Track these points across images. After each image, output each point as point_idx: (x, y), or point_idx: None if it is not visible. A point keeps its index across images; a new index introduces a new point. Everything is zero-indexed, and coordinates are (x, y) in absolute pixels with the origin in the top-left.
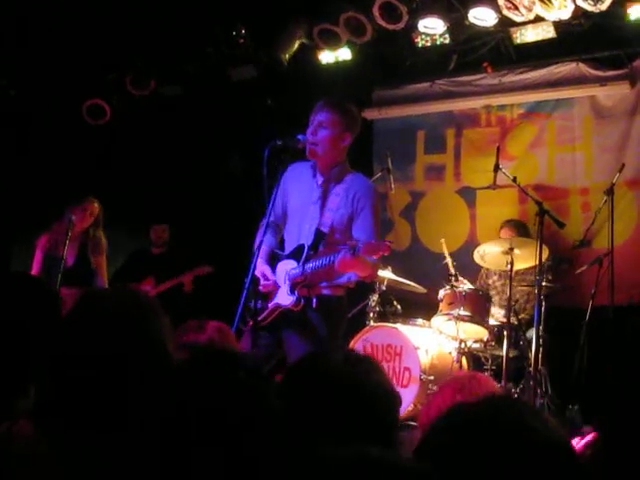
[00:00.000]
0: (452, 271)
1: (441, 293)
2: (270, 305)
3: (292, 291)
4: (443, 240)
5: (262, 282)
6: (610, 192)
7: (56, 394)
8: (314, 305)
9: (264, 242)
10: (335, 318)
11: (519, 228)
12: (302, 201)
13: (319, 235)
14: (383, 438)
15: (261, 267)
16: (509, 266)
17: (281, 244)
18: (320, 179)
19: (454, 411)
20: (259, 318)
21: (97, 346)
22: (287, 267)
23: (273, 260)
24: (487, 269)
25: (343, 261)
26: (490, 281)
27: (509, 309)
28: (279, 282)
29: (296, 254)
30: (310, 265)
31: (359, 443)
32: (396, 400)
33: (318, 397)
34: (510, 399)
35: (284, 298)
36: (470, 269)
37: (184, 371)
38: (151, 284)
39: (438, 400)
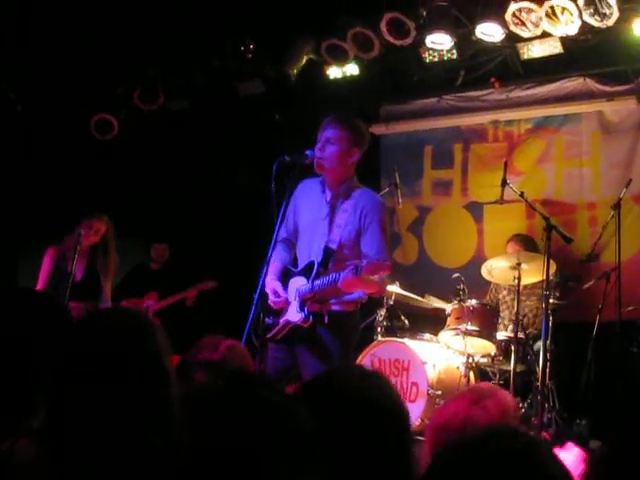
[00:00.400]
0: (461, 286)
1: (449, 308)
2: (281, 321)
3: (301, 308)
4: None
5: (273, 298)
6: (617, 207)
7: (56, 412)
8: (325, 321)
9: (276, 258)
10: (346, 334)
11: (526, 242)
12: (312, 217)
13: (328, 252)
14: (400, 455)
15: (272, 283)
16: (516, 281)
17: (294, 261)
18: (329, 195)
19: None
20: (271, 333)
21: (96, 363)
22: (298, 284)
23: (286, 276)
24: (497, 284)
25: (345, 280)
26: (500, 296)
27: (517, 324)
28: (290, 298)
29: (306, 271)
30: (318, 282)
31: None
32: (407, 413)
33: (334, 415)
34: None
35: (294, 315)
36: (477, 284)
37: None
38: (154, 299)
39: (452, 408)
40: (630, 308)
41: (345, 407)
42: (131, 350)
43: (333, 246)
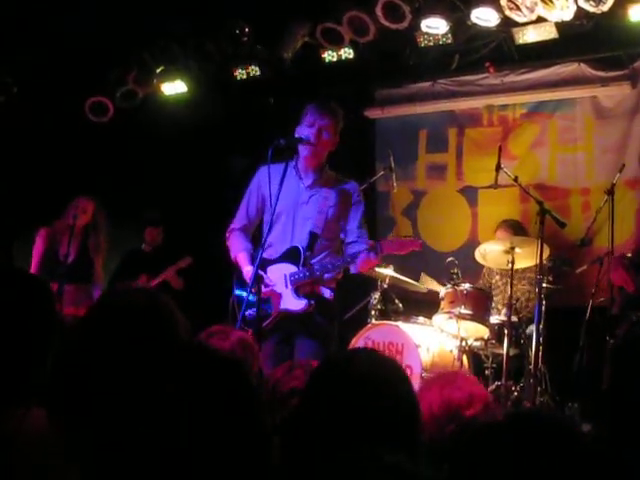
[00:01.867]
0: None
1: (442, 291)
2: (274, 311)
3: (299, 295)
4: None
5: (265, 289)
6: (611, 192)
7: (70, 386)
8: (323, 301)
9: (240, 248)
10: (333, 311)
11: (515, 228)
12: (290, 203)
13: (313, 237)
14: (409, 439)
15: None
16: (510, 265)
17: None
18: (308, 181)
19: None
20: (264, 324)
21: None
22: (285, 271)
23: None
24: (489, 268)
25: (368, 261)
26: (493, 280)
27: (510, 307)
28: (278, 287)
29: (290, 257)
30: (317, 267)
31: (387, 445)
32: (417, 400)
33: (346, 400)
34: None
35: (292, 303)
36: (471, 268)
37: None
38: (144, 281)
39: (427, 397)
40: (602, 299)
41: (356, 392)
42: (150, 327)
43: (318, 231)
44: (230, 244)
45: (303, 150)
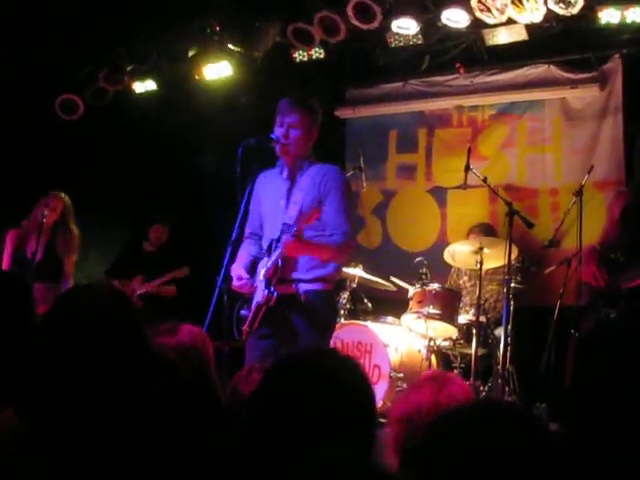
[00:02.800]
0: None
1: (411, 291)
2: (252, 307)
3: (266, 286)
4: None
5: (236, 283)
6: (579, 193)
7: (38, 386)
8: (302, 300)
9: (246, 251)
10: (321, 315)
11: (487, 232)
12: (272, 200)
13: (283, 228)
14: (363, 436)
15: (236, 270)
16: (479, 265)
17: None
18: (288, 177)
19: (448, 419)
20: (246, 324)
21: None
22: (262, 266)
23: (255, 266)
24: (458, 269)
25: (286, 244)
26: (461, 281)
27: (478, 308)
28: (257, 282)
29: (268, 251)
30: (274, 256)
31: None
32: (374, 397)
33: (299, 396)
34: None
35: (259, 295)
36: (440, 268)
37: None
38: (139, 282)
39: (416, 398)
40: (566, 294)
41: (313, 389)
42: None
43: (290, 221)
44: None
45: (278, 150)
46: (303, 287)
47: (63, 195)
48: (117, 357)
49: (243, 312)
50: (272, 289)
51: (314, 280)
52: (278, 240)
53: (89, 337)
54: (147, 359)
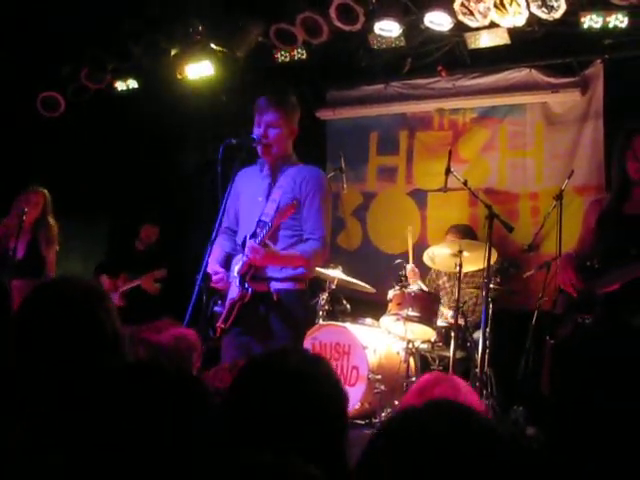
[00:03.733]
0: (408, 268)
1: (390, 293)
2: (227, 303)
3: (240, 282)
4: (409, 229)
5: (214, 279)
6: (559, 197)
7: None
8: (274, 299)
9: (219, 245)
10: (295, 314)
11: (464, 233)
12: (250, 196)
13: (258, 225)
14: (333, 438)
15: (211, 265)
16: (458, 268)
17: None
18: (268, 175)
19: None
20: (220, 320)
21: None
22: (237, 262)
23: (229, 262)
24: (437, 270)
25: (252, 249)
26: (440, 282)
27: (457, 310)
28: (231, 278)
29: (242, 247)
30: (248, 252)
31: (309, 444)
32: (346, 400)
33: (269, 396)
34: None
35: (233, 291)
36: (420, 270)
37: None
38: (123, 280)
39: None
40: (545, 299)
41: (282, 389)
42: (81, 317)
43: (265, 219)
44: (212, 239)
45: (259, 150)
46: (276, 286)
47: (43, 190)
48: (84, 350)
49: (217, 308)
50: (246, 285)
51: (287, 279)
52: (253, 235)
53: (57, 328)
54: (115, 355)
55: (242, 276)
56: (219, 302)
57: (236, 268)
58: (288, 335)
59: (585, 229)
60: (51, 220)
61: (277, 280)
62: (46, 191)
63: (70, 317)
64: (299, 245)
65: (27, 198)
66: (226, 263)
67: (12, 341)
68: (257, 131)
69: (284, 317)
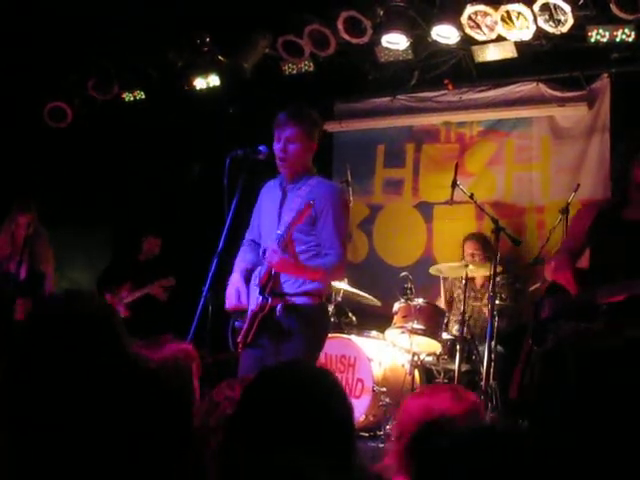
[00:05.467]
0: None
1: (396, 306)
2: (248, 316)
3: (260, 293)
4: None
5: (234, 301)
6: (565, 211)
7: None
8: (293, 313)
9: (241, 259)
10: (314, 329)
11: (483, 242)
12: (270, 211)
13: (278, 238)
14: (343, 449)
15: (237, 282)
16: (464, 282)
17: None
18: (288, 189)
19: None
20: (241, 335)
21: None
22: (256, 274)
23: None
24: (452, 281)
25: (272, 261)
26: (455, 294)
27: (463, 323)
28: (251, 290)
29: (263, 257)
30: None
31: (321, 454)
32: (350, 410)
33: (281, 408)
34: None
35: (253, 302)
36: (425, 283)
37: None
38: (127, 290)
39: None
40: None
41: (289, 403)
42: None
43: (282, 229)
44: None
45: (278, 164)
46: (293, 300)
47: (29, 209)
48: (94, 364)
49: (237, 324)
50: (266, 295)
51: (304, 294)
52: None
53: (65, 343)
54: (125, 367)
55: (262, 286)
56: (239, 318)
57: (256, 279)
58: (304, 349)
59: (576, 230)
60: (41, 230)
61: (295, 295)
62: (32, 205)
63: (75, 331)
64: (317, 259)
65: (16, 221)
66: (248, 277)
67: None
68: (276, 146)
69: (302, 331)
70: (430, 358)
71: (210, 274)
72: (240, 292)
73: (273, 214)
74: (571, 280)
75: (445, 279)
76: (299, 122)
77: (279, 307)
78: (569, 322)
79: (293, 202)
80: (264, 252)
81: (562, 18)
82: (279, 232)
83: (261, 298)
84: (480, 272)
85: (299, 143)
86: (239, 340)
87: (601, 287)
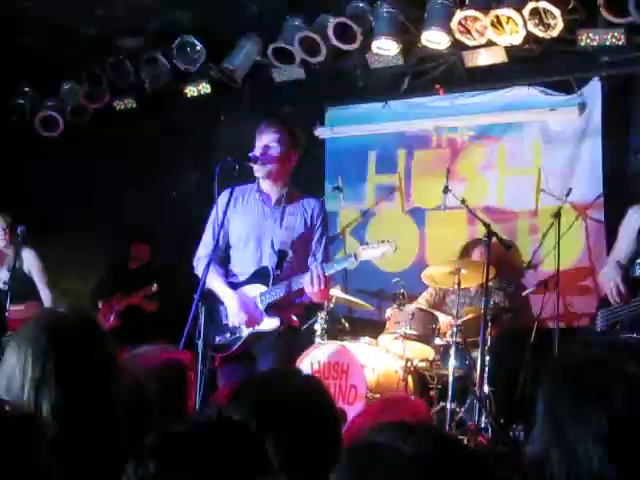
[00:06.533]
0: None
1: (388, 312)
2: (245, 334)
3: (271, 314)
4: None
5: (242, 316)
6: (557, 216)
7: None
8: (291, 325)
9: (219, 274)
10: (299, 338)
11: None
12: (254, 223)
13: (282, 255)
14: (330, 455)
15: (242, 297)
16: (456, 286)
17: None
18: (272, 199)
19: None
20: (235, 348)
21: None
22: (255, 292)
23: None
24: (445, 288)
25: (321, 294)
26: (448, 300)
27: (456, 328)
28: (248, 308)
29: (260, 277)
30: (285, 285)
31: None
32: (341, 419)
33: (266, 416)
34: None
35: (264, 323)
36: (417, 289)
37: None
38: (117, 299)
39: (358, 421)
40: (543, 316)
41: (278, 409)
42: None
43: (286, 248)
44: (200, 273)
45: (257, 171)
46: (294, 314)
47: (3, 215)
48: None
49: (219, 338)
50: (282, 318)
51: (296, 307)
52: (277, 268)
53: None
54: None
55: (274, 307)
56: (217, 331)
57: (254, 298)
58: (293, 352)
59: (626, 235)
60: (23, 249)
61: (295, 309)
62: (5, 216)
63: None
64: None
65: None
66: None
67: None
68: (255, 151)
69: (291, 337)
70: (423, 364)
71: (202, 281)
72: (249, 309)
73: (261, 228)
74: (621, 287)
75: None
76: (279, 129)
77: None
78: (617, 333)
79: (288, 220)
80: (261, 271)
81: (552, 22)
82: (283, 249)
83: (278, 320)
84: (471, 281)
85: (278, 148)
86: (221, 355)
87: None
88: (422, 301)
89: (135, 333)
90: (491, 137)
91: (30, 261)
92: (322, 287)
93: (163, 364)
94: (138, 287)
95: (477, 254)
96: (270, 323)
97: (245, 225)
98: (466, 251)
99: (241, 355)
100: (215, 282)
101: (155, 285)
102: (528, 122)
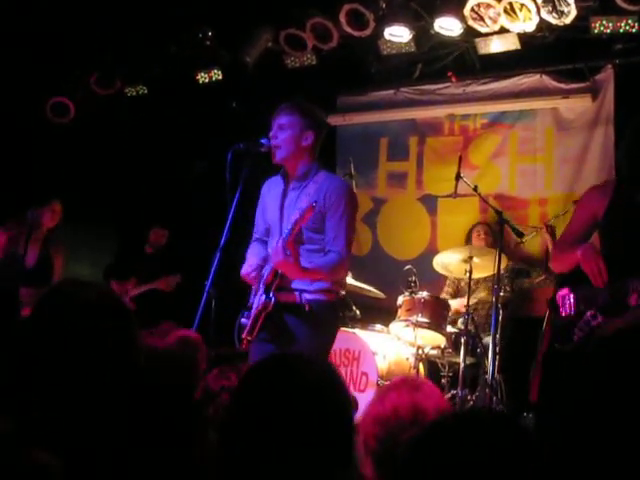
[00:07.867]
0: (413, 278)
1: (400, 299)
2: (252, 313)
3: (264, 292)
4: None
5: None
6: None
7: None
8: (306, 310)
9: (252, 253)
10: (325, 325)
11: (491, 228)
12: (275, 208)
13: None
14: (342, 442)
15: (252, 259)
16: (468, 274)
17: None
18: (291, 183)
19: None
20: (245, 331)
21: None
22: (264, 273)
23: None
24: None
25: (275, 249)
26: (461, 285)
27: (467, 316)
28: (259, 288)
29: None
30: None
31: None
32: (350, 404)
33: (279, 399)
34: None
35: (257, 301)
36: (429, 276)
37: None
38: (133, 284)
39: (392, 399)
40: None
41: (289, 392)
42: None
43: (288, 227)
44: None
45: (272, 155)
46: (306, 297)
47: (59, 203)
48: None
49: (243, 320)
50: (270, 295)
51: (318, 291)
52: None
53: (74, 330)
54: (133, 358)
55: (267, 286)
56: (245, 314)
57: (263, 278)
58: (313, 346)
59: (584, 215)
60: (59, 232)
61: (308, 292)
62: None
63: (83, 318)
64: (318, 258)
65: (51, 209)
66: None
67: (23, 345)
68: (270, 134)
69: (312, 328)
70: (435, 351)
71: (213, 269)
72: (259, 267)
73: (276, 211)
74: (602, 268)
75: (440, 275)
76: (292, 110)
77: (289, 304)
78: (608, 319)
79: (299, 200)
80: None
81: (565, 9)
82: (285, 231)
83: (264, 297)
84: (484, 270)
85: (290, 130)
86: (244, 336)
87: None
88: (446, 296)
89: (149, 317)
90: (504, 124)
91: (58, 247)
92: (280, 258)
93: (179, 343)
94: (155, 272)
95: (475, 237)
96: (260, 301)
97: (271, 210)
98: (468, 237)
99: (261, 334)
100: (252, 258)
101: (179, 276)
102: (541, 110)
